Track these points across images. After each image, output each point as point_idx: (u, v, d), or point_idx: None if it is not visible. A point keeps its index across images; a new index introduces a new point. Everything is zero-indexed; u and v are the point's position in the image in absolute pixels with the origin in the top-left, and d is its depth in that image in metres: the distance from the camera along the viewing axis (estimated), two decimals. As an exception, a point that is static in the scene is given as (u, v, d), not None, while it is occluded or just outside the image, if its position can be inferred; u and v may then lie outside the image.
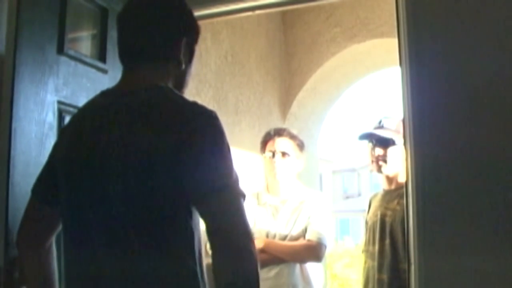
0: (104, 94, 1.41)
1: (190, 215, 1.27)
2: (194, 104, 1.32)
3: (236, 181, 1.26)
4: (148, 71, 1.37)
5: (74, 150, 1.35)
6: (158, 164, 1.23)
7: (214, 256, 1.21)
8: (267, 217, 2.69)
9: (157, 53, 1.39)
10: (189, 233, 1.28)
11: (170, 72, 1.40)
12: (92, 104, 1.43)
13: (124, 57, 1.42)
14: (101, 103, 1.38)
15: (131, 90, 1.34)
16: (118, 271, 1.25)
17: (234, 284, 1.18)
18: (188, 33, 1.44)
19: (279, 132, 2.77)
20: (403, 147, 2.35)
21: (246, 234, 1.22)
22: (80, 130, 1.37)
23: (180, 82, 1.44)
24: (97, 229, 1.28)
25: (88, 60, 1.98)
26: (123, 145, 1.27)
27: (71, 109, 1.82)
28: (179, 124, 1.24)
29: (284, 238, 2.64)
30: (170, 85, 1.39)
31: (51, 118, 1.76)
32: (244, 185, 1.30)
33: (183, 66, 1.42)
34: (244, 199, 1.27)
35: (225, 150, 1.27)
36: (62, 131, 1.51)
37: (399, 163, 2.47)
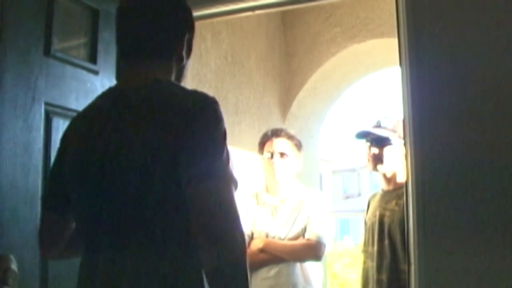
0: (105, 95, 1.41)
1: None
2: (194, 92, 1.32)
3: (227, 167, 1.23)
4: (152, 67, 1.37)
5: (80, 154, 1.34)
6: (162, 160, 1.22)
7: (199, 241, 1.18)
8: (266, 217, 2.70)
9: (162, 49, 1.39)
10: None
11: (172, 68, 1.41)
12: (93, 107, 1.42)
13: (127, 53, 1.41)
14: (103, 104, 1.38)
15: (133, 87, 1.34)
16: (124, 268, 1.25)
17: (218, 269, 1.15)
18: (189, 29, 1.45)
19: (276, 133, 2.77)
20: (399, 146, 2.38)
21: (232, 220, 1.18)
22: (84, 134, 1.36)
23: (180, 76, 1.45)
24: (104, 227, 1.28)
25: (77, 61, 1.95)
26: (128, 144, 1.26)
27: (59, 110, 1.80)
28: (180, 116, 1.24)
29: (283, 237, 2.64)
30: (171, 79, 1.40)
31: (38, 120, 1.73)
32: (238, 174, 1.25)
33: (184, 62, 1.43)
34: (236, 186, 1.23)
35: (219, 135, 1.25)
36: (64, 137, 1.49)
37: (395, 163, 2.47)
